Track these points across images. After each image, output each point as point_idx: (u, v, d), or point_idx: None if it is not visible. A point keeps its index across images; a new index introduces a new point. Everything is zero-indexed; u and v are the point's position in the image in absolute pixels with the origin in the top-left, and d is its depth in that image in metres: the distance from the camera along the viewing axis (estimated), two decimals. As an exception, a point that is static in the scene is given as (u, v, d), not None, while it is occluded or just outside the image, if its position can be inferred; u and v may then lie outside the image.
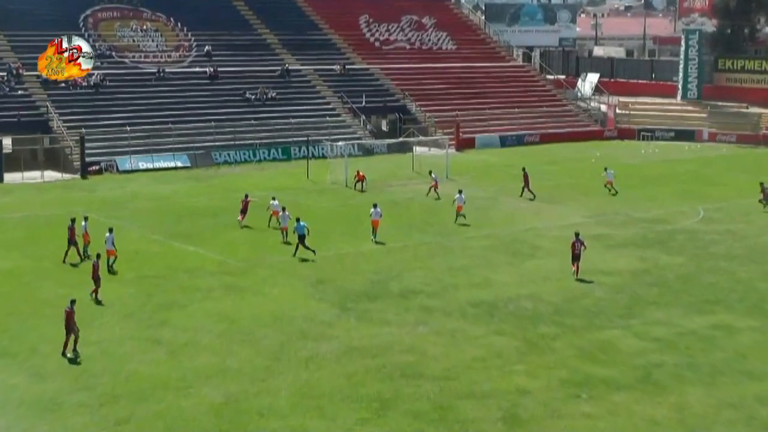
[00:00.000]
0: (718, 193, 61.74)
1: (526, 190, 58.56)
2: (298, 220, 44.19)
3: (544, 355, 31.07)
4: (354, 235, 47.98)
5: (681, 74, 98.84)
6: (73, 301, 30.98)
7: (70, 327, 30.52)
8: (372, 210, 47.65)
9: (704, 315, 35.50)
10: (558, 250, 44.25)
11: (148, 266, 41.39)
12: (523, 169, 59.60)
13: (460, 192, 51.95)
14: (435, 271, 41.26)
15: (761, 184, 57.08)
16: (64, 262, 41.66)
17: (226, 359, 30.26)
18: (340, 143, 70.44)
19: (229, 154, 72.98)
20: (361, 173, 61.45)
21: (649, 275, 41.14)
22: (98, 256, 37.37)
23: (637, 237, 48.66)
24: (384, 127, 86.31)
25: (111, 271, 39.98)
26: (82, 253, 42.08)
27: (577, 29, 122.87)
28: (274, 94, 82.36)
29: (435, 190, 58.13)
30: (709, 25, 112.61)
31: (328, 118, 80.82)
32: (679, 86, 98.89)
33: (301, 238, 43.48)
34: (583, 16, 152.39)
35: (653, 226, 51.39)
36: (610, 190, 60.27)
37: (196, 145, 73.05)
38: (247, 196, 50.62)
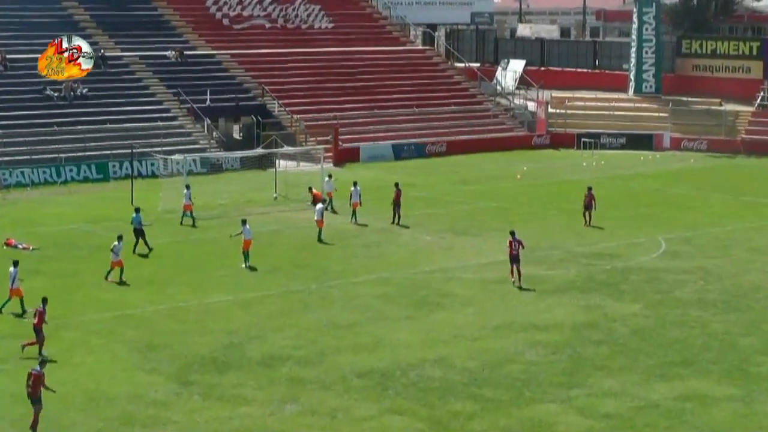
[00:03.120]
0: (685, 219, 62.89)
1: (397, 213, 60.16)
2: (137, 210, 52.70)
3: (457, 440, 31.28)
4: (198, 283, 47.75)
5: (633, 60, 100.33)
6: (42, 362, 31.46)
7: (37, 396, 30.66)
8: (242, 228, 50.14)
9: (669, 382, 36.08)
10: (475, 298, 44.62)
11: None
12: (396, 185, 61.01)
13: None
14: (309, 330, 41.25)
15: (589, 188, 60.70)
16: None
17: (22, 457, 29.88)
18: (176, 157, 70.06)
19: (22, 173, 72.23)
20: (315, 191, 62.48)
21: (596, 330, 41.67)
22: (44, 300, 38.75)
23: (580, 279, 49.34)
24: (236, 135, 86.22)
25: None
26: None
27: (496, 1, 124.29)
28: (84, 91, 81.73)
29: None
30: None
31: (159, 123, 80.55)
32: (632, 76, 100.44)
33: (139, 233, 49.81)
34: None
35: (600, 263, 52.17)
36: (352, 218, 60.81)
37: (-24, 161, 72.28)
38: (8, 240, 53.87)
